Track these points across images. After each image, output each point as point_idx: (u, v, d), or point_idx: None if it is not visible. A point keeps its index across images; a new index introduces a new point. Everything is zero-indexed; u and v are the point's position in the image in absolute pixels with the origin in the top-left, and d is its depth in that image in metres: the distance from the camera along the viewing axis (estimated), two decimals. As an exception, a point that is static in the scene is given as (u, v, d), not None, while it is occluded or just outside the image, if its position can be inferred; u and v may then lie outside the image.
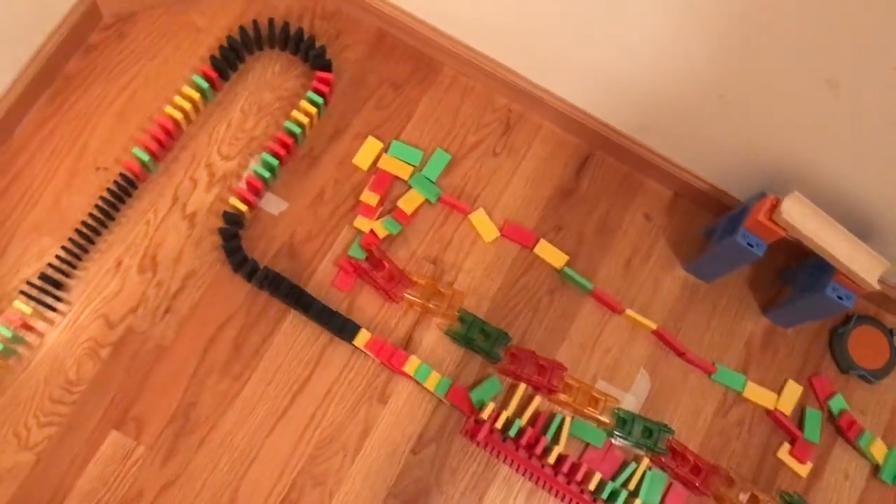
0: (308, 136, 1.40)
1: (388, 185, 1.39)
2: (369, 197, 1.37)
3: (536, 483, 1.28)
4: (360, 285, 1.34)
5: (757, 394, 1.37)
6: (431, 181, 1.40)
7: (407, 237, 1.38)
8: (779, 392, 1.38)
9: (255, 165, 1.36)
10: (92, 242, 1.30)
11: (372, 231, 1.35)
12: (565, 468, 1.22)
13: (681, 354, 1.37)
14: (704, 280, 1.42)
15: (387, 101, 1.45)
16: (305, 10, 1.47)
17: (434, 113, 1.45)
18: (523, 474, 1.29)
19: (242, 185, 1.35)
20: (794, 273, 1.40)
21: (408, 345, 1.32)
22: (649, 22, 1.12)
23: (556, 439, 1.27)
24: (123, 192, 1.31)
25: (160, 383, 1.26)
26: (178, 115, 1.33)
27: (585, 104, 1.39)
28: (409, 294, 1.33)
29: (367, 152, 1.41)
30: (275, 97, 1.42)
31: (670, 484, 1.31)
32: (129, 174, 1.31)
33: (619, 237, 1.43)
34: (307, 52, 1.41)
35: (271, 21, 1.41)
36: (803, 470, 1.34)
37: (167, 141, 1.34)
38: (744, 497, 1.31)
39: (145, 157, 1.30)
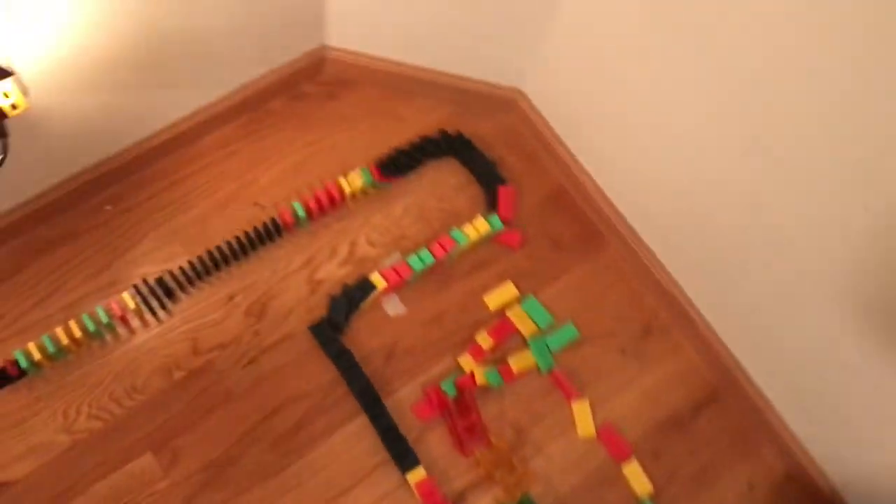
0: (459, 255, 1.39)
1: (506, 336, 1.35)
2: (484, 339, 1.33)
3: None
4: (437, 421, 1.28)
5: None
6: (550, 351, 1.34)
7: (503, 394, 1.31)
8: None
9: (406, 256, 1.35)
10: (218, 268, 1.31)
11: (472, 374, 1.30)
12: None
13: None
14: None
15: (540, 254, 1.42)
16: (503, 140, 1.48)
17: (581, 285, 1.41)
18: None
19: (387, 266, 1.33)
20: None
21: (458, 502, 1.24)
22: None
23: None
24: (268, 235, 1.33)
25: (213, 427, 1.24)
26: (347, 189, 1.35)
27: (730, 340, 1.31)
28: (481, 452, 1.25)
29: (500, 295, 1.37)
30: (439, 207, 1.42)
31: None
32: (279, 221, 1.33)
33: (713, 494, 1.31)
34: (489, 179, 1.42)
35: (463, 137, 1.43)
36: None
37: (327, 206, 1.36)
38: None
39: (301, 213, 1.32)
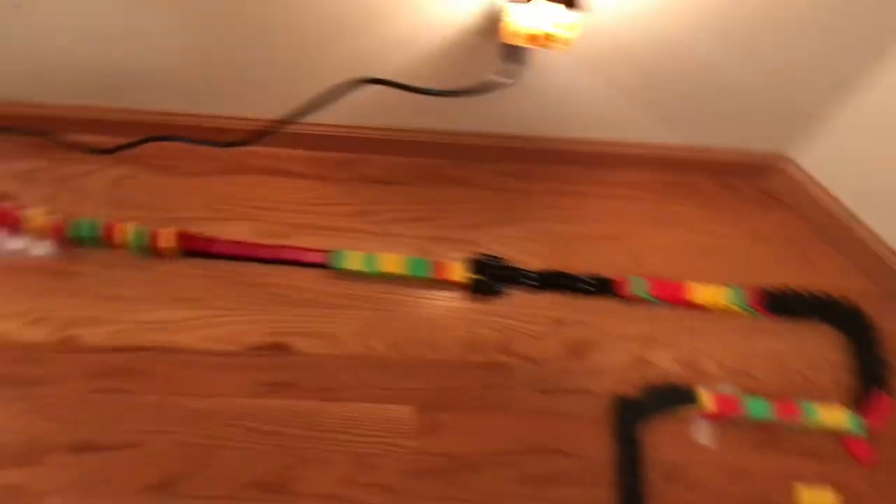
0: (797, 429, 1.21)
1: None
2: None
3: None
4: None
5: None
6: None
7: None
8: None
9: (744, 395, 1.21)
10: (562, 290, 1.26)
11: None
12: None
13: None
14: None
15: (888, 488, 1.19)
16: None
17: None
18: None
19: (719, 392, 1.20)
20: None
21: None
22: None
23: None
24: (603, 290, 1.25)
25: (478, 425, 1.17)
26: (690, 296, 1.24)
27: None
28: None
29: (816, 497, 1.17)
30: (802, 370, 1.26)
31: None
32: (644, 283, 1.25)
33: None
34: (871, 377, 1.23)
35: (867, 320, 1.26)
36: None
37: (677, 292, 1.26)
38: None
39: (642, 290, 1.23)
